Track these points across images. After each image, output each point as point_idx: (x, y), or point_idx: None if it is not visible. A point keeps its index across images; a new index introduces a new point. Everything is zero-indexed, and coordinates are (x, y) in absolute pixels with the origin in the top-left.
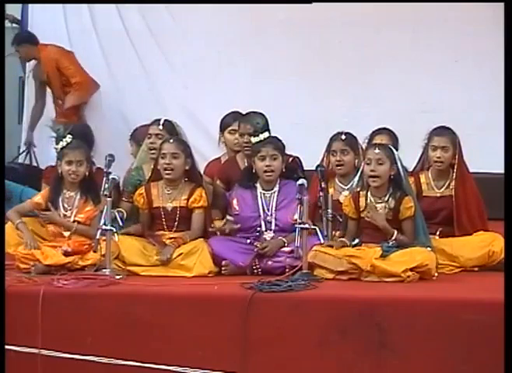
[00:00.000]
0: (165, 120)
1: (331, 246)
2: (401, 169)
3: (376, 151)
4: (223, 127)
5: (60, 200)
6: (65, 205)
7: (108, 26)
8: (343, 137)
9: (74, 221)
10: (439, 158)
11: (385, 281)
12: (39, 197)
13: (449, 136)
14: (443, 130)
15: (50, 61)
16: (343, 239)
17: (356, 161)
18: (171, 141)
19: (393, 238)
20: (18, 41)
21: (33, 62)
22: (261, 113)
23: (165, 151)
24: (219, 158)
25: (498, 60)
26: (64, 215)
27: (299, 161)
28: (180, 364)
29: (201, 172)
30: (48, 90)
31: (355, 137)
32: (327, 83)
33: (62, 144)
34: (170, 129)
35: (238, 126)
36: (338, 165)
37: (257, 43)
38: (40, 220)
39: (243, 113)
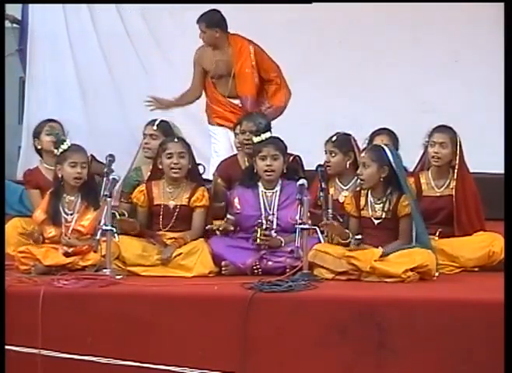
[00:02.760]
0: (161, 121)
1: (332, 241)
2: (397, 170)
3: (363, 154)
4: None
5: (60, 205)
6: (66, 210)
7: (108, 27)
8: (334, 138)
9: (73, 229)
10: (436, 153)
11: (385, 281)
12: (39, 212)
13: (448, 133)
14: (443, 128)
15: (246, 54)
16: (347, 231)
17: (348, 162)
18: (176, 140)
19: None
20: (207, 23)
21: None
22: (263, 113)
23: (171, 151)
24: None
25: (498, 60)
26: (65, 220)
27: (300, 160)
28: (180, 364)
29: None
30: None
31: (349, 139)
32: (327, 83)
33: (63, 147)
34: (166, 129)
35: (240, 124)
36: (327, 166)
37: (257, 43)
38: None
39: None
